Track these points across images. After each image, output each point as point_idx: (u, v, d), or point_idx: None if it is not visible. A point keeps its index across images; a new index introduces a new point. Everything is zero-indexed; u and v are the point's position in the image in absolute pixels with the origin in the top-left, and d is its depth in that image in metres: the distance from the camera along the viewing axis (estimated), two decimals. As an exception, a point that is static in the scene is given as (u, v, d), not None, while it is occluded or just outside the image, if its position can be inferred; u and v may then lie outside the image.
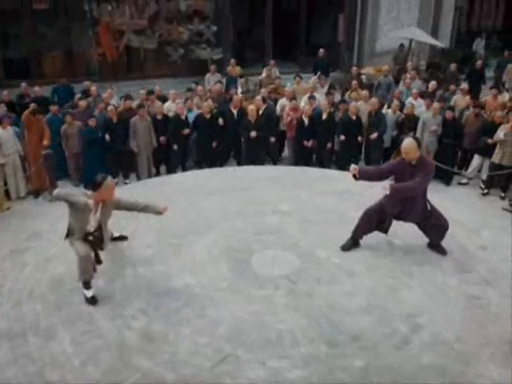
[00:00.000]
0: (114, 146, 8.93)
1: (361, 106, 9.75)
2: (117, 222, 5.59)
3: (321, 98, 10.31)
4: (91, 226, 4.65)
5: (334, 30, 17.08)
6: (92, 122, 8.79)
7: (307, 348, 4.08)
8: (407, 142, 4.91)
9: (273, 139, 9.62)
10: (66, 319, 4.42)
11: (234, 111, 9.65)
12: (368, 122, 9.37)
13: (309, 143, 9.44)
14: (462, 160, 9.58)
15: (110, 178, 4.55)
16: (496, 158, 8.43)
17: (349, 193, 6.80)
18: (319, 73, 12.38)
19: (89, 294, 4.62)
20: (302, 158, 9.44)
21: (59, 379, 3.83)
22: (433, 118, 9.02)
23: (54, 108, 9.27)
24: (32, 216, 7.71)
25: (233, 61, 13.03)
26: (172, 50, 15.51)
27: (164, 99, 10.25)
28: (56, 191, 4.50)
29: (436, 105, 9.19)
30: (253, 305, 4.58)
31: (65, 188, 4.74)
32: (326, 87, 11.46)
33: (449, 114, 8.92)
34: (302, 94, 10.54)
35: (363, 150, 9.69)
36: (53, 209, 7.49)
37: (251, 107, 9.19)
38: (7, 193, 8.47)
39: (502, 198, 8.65)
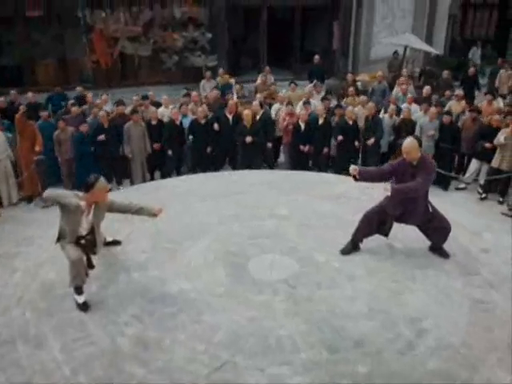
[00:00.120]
0: (106, 152, 8.78)
1: (359, 111, 9.68)
2: (110, 226, 5.44)
3: (316, 103, 10.24)
4: (83, 229, 4.50)
5: (328, 37, 17.08)
6: (83, 128, 8.65)
7: (308, 354, 3.93)
8: (408, 142, 4.80)
9: (269, 145, 9.53)
10: (56, 326, 4.25)
11: (230, 116, 9.54)
12: (365, 126, 9.28)
13: (305, 148, 9.34)
14: (459, 165, 9.50)
15: (102, 178, 4.40)
16: (495, 162, 8.35)
17: (346, 197, 6.70)
18: (315, 81, 12.33)
19: (80, 299, 4.44)
20: (299, 164, 9.32)
21: (49, 388, 3.67)
22: (430, 123, 8.95)
23: (44, 114, 9.12)
24: (24, 222, 7.56)
25: (221, 70, 12.89)
26: (166, 57, 15.40)
27: (158, 105, 10.14)
28: (46, 192, 4.34)
29: (433, 109, 9.13)
30: (251, 310, 4.43)
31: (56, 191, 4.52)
32: (322, 93, 11.39)
33: (446, 119, 8.85)
34: (298, 101, 10.46)
35: (360, 155, 9.59)
36: (45, 215, 7.38)
37: (246, 112, 9.08)
38: (-1, 199, 8.31)
39: (501, 203, 8.55)
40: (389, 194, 4.79)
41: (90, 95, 10.55)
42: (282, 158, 10.20)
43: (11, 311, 4.47)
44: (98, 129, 8.84)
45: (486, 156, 8.70)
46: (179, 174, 9.37)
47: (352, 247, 5.28)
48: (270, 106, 10.38)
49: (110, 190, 6.75)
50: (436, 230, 5.09)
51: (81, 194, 4.40)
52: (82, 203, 4.29)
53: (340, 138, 9.04)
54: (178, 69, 15.56)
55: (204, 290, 4.72)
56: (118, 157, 8.91)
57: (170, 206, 6.11)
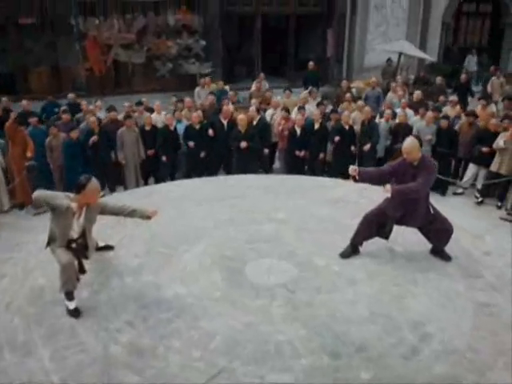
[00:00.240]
0: (97, 157, 8.64)
1: (355, 116, 9.61)
2: (102, 231, 5.29)
3: (312, 108, 10.16)
4: (74, 232, 4.34)
5: (322, 44, 17.09)
6: (74, 135, 8.53)
7: (308, 360, 3.78)
8: (409, 142, 4.70)
9: (266, 151, 9.42)
10: (45, 333, 4.07)
11: (224, 122, 9.44)
12: (361, 130, 9.19)
13: (301, 153, 9.24)
14: (456, 169, 9.42)
15: (94, 179, 4.25)
16: (494, 166, 8.27)
17: (344, 201, 6.59)
18: (310, 87, 12.28)
19: (71, 305, 4.27)
20: (294, 169, 9.21)
21: (37, 398, 3.49)
22: (427, 127, 8.87)
23: (33, 120, 8.97)
24: (15, 229, 7.41)
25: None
26: (160, 64, 15.32)
27: (152, 111, 10.03)
28: (36, 193, 4.17)
29: (430, 114, 9.07)
30: (248, 315, 4.28)
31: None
32: (318, 99, 11.32)
33: (444, 123, 8.78)
34: (293, 107, 10.39)
35: (356, 160, 9.49)
36: (37, 222, 7.21)
37: (241, 117, 8.98)
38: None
39: (499, 208, 8.46)
40: (389, 195, 4.67)
41: (84, 103, 10.44)
42: (277, 163, 10.09)
43: (-1, 318, 4.29)
44: (89, 134, 8.75)
45: (484, 160, 8.63)
46: (173, 180, 9.23)
47: (352, 250, 5.15)
48: (265, 111, 10.29)
49: (103, 195, 6.65)
50: (437, 232, 4.97)
51: (72, 195, 4.24)
52: (73, 205, 4.13)
53: (337, 138, 8.94)
54: (172, 76, 15.48)
55: (200, 294, 4.56)
56: (109, 162, 8.78)
57: (165, 211, 5.95)
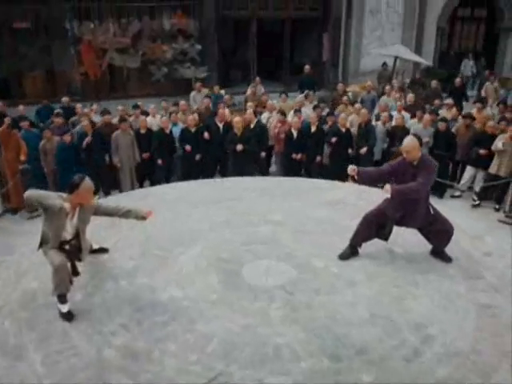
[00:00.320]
0: (91, 160, 8.55)
1: (353, 119, 9.56)
2: (96, 234, 5.19)
3: (308, 111, 10.12)
4: (67, 234, 4.23)
5: (318, 48, 17.07)
6: (66, 138, 8.44)
7: (308, 363, 3.68)
8: (409, 141, 4.62)
9: (263, 154, 9.35)
10: (37, 337, 3.96)
11: (220, 125, 9.37)
12: (358, 133, 9.14)
13: (298, 156, 9.18)
14: (453, 172, 9.37)
15: (87, 178, 4.15)
16: (493, 168, 8.24)
17: (342, 202, 6.51)
18: (306, 91, 12.24)
19: (64, 308, 4.15)
20: (291, 172, 9.13)
21: (28, 404, 3.37)
22: (424, 130, 8.83)
23: (24, 123, 8.89)
24: (8, 233, 7.35)
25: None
26: (155, 68, 15.25)
27: (147, 115, 9.95)
28: (28, 193, 4.06)
29: (427, 116, 9.04)
30: (246, 318, 4.18)
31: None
32: (315, 103, 11.27)
33: (442, 126, 8.74)
34: (289, 111, 10.33)
35: (353, 163, 9.40)
36: (31, 226, 7.10)
37: (237, 119, 8.91)
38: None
39: (497, 210, 8.42)
40: (388, 195, 4.59)
41: (79, 106, 10.36)
42: (273, 167, 10.02)
43: (-11, 322, 4.17)
44: (82, 137, 8.69)
45: (481, 162, 8.60)
46: (169, 183, 9.13)
47: (350, 252, 5.06)
48: (260, 114, 10.22)
49: (99, 198, 6.54)
50: (438, 233, 4.88)
51: (65, 195, 4.14)
52: (66, 205, 4.02)
53: (334, 139, 8.88)
54: (167, 81, 15.41)
55: (196, 297, 4.45)
56: (103, 165, 8.70)
57: (160, 213, 5.86)
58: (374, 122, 9.76)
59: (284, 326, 4.08)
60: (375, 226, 4.93)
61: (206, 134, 9.12)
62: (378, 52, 15.20)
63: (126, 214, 4.48)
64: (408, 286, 4.63)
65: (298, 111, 9.73)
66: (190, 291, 4.54)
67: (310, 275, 4.77)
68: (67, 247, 4.25)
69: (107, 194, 8.84)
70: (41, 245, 4.27)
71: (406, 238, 5.30)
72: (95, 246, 5.09)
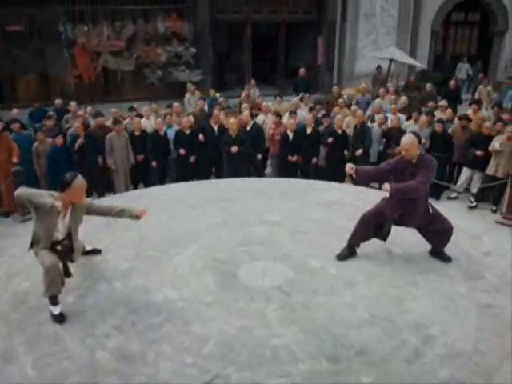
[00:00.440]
0: (84, 162, 8.46)
1: (349, 121, 9.51)
2: (90, 235, 5.10)
3: (304, 113, 10.07)
4: (59, 234, 4.12)
5: (313, 52, 17.05)
6: (58, 141, 8.34)
7: (307, 364, 3.59)
8: (407, 138, 4.55)
9: (259, 156, 9.28)
10: (28, 339, 3.84)
11: (215, 127, 9.29)
12: (354, 133, 9.09)
13: (293, 158, 9.11)
14: (450, 173, 9.32)
15: (80, 176, 4.05)
16: (490, 169, 8.20)
17: (339, 203, 6.43)
18: (302, 93, 12.20)
19: (56, 310, 4.04)
20: (287, 174, 9.05)
21: (18, 408, 3.26)
22: (421, 131, 8.75)
23: (15, 126, 8.81)
24: (1, 236, 7.15)
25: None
26: (150, 72, 15.18)
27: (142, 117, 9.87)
28: (18, 191, 3.95)
29: (423, 118, 9.00)
30: (243, 319, 4.08)
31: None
32: (310, 105, 11.23)
33: (439, 127, 8.70)
34: (284, 113, 10.28)
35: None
36: (23, 229, 6.94)
37: (231, 121, 8.84)
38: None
39: (494, 212, 8.38)
40: (387, 194, 4.52)
41: (73, 104, 10.28)
42: (268, 169, 9.94)
43: (-21, 325, 4.05)
44: (75, 139, 8.61)
45: (478, 164, 8.56)
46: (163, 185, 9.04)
47: (348, 252, 4.98)
48: (256, 116, 10.16)
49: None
50: (437, 232, 4.81)
51: (56, 193, 4.04)
52: (58, 203, 3.92)
53: (330, 139, 8.81)
54: (161, 84, 15.33)
55: (191, 298, 4.36)
56: (96, 167, 8.61)
57: (155, 214, 5.77)
58: (369, 124, 9.72)
59: (281, 327, 3.99)
60: (373, 225, 4.85)
61: (200, 136, 9.05)
62: (373, 55, 15.19)
63: (120, 213, 4.38)
64: (407, 286, 4.55)
65: (293, 113, 9.68)
66: (186, 292, 4.44)
67: (308, 276, 4.69)
68: (59, 247, 4.14)
69: (101, 196, 8.73)
70: (32, 245, 4.15)
71: (405, 238, 5.23)
72: (88, 248, 4.98)
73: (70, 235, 4.18)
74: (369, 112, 10.63)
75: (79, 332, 3.94)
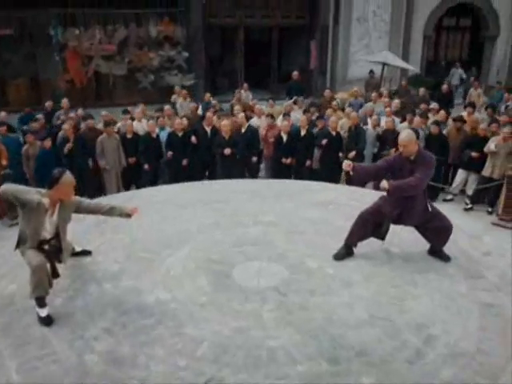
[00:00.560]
0: (73, 164, 8.30)
1: (343, 123, 9.42)
2: (79, 237, 4.96)
3: (298, 115, 9.98)
4: (47, 232, 3.96)
5: (306, 56, 17.03)
6: (47, 143, 8.19)
7: (305, 366, 3.45)
8: (405, 134, 4.45)
9: (254, 159, 9.16)
10: (13, 343, 3.67)
11: (208, 129, 9.17)
12: (348, 136, 9.00)
13: (287, 161, 9.00)
14: (445, 175, 9.25)
15: (68, 172, 3.90)
16: (486, 171, 8.13)
17: (335, 203, 6.32)
18: (295, 97, 12.13)
19: (43, 312, 3.87)
20: (280, 177, 8.93)
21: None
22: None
23: (1, 129, 8.65)
24: (-11, 240, 6.97)
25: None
26: (142, 76, 15.09)
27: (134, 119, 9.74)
28: (4, 187, 3.79)
29: (418, 119, 8.94)
30: (237, 320, 3.94)
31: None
32: (304, 108, 11.15)
33: (434, 129, 8.62)
34: (278, 115, 10.19)
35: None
36: (12, 232, 6.74)
37: (224, 122, 8.73)
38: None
39: (490, 213, 8.30)
40: (385, 191, 4.41)
41: (65, 101, 10.15)
42: (262, 171, 9.82)
43: (-38, 328, 3.87)
44: (64, 142, 8.46)
45: (473, 165, 8.50)
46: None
47: (346, 252, 4.85)
48: (250, 118, 10.06)
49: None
50: (436, 230, 4.69)
51: (44, 190, 3.88)
52: (45, 200, 3.77)
53: (324, 141, 8.71)
54: (154, 88, 15.23)
55: (184, 299, 4.21)
56: (87, 169, 8.45)
57: (147, 215, 5.62)
58: (364, 126, 9.65)
59: (278, 328, 3.85)
60: (371, 224, 4.74)
61: (193, 138, 8.91)
62: (366, 58, 15.18)
63: (110, 212, 4.23)
64: (406, 285, 4.43)
65: (287, 115, 9.59)
66: (178, 293, 4.29)
67: (304, 276, 4.56)
68: (46, 247, 3.98)
69: (92, 198, 8.54)
70: (18, 244, 3.99)
71: (403, 238, 5.13)
72: (77, 249, 4.82)
73: (58, 234, 4.02)
74: (361, 114, 10.54)
75: (67, 335, 3.78)
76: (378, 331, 3.81)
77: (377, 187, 5.18)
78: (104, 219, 5.47)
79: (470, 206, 8.56)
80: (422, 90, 12.71)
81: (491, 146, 7.95)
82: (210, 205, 6.25)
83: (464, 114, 9.84)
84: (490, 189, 8.26)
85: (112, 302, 4.17)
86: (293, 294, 4.28)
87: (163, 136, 9.00)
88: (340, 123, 9.39)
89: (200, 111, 10.64)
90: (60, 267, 4.24)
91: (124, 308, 4.08)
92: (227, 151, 8.54)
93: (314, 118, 9.81)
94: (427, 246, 4.94)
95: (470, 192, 8.61)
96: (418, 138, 4.49)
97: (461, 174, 8.76)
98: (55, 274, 4.06)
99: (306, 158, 9.04)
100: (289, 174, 9.19)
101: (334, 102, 11.01)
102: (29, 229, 3.86)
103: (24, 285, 4.11)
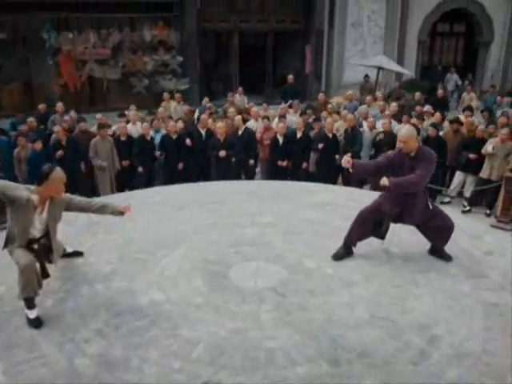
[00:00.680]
0: (65, 167, 8.15)
1: (339, 126, 9.34)
2: (71, 238, 4.81)
3: (294, 118, 9.90)
4: (36, 231, 3.82)
5: (301, 61, 16.99)
6: (37, 146, 8.05)
7: (305, 368, 3.32)
8: (405, 130, 4.36)
9: (251, 161, 9.05)
10: (1, 345, 3.52)
11: (202, 131, 9.06)
12: (344, 138, 8.91)
13: (283, 163, 8.89)
14: (443, 177, 9.17)
15: (58, 168, 3.77)
16: (485, 173, 8.05)
17: (333, 204, 6.21)
18: (290, 101, 12.05)
19: (32, 314, 3.72)
20: (277, 179, 8.81)
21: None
22: (412, 134, 8.62)
23: None
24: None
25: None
26: (136, 80, 14.98)
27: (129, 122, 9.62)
28: (-10, 182, 3.67)
29: (414, 121, 8.88)
30: (234, 321, 3.81)
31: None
32: (299, 111, 11.07)
33: (432, 131, 8.54)
34: (273, 118, 10.10)
35: (340, 170, 9.16)
36: (2, 235, 6.63)
37: (219, 125, 8.62)
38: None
39: (488, 215, 8.21)
40: (386, 187, 4.30)
41: (60, 105, 10.03)
42: (258, 174, 9.70)
43: None
44: (56, 145, 8.32)
45: (471, 167, 8.42)
46: (150, 190, 8.76)
47: (345, 252, 4.74)
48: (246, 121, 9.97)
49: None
50: (437, 229, 4.59)
51: (33, 187, 3.75)
52: (35, 197, 3.63)
53: (321, 145, 8.62)
54: (148, 93, 15.12)
55: (179, 300, 4.07)
56: (79, 172, 8.30)
57: (142, 216, 5.48)
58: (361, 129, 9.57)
59: (276, 329, 3.72)
60: (371, 223, 4.63)
61: (187, 141, 8.80)
62: (361, 63, 15.15)
63: (102, 209, 4.09)
64: (407, 285, 4.32)
65: (282, 117, 9.50)
66: (173, 294, 4.16)
67: (303, 276, 4.44)
68: (36, 246, 3.84)
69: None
70: (6, 244, 3.84)
71: (403, 237, 5.02)
72: (69, 250, 4.67)
73: (47, 233, 3.88)
74: (355, 115, 10.46)
75: (57, 337, 3.63)
76: (380, 332, 3.69)
77: (374, 188, 5.08)
78: (97, 220, 5.36)
79: (467, 208, 8.47)
80: (417, 95, 12.67)
81: (489, 147, 7.88)
82: (206, 206, 6.13)
83: (461, 116, 9.79)
84: (488, 191, 8.17)
85: (104, 303, 4.03)
86: (291, 294, 4.16)
87: (158, 139, 8.88)
88: (336, 125, 9.32)
89: (196, 115, 10.52)
90: (50, 268, 4.09)
91: (117, 309, 3.94)
92: (222, 153, 8.43)
93: (310, 120, 9.72)
94: (427, 245, 4.83)
95: (467, 194, 8.53)
96: (418, 134, 4.37)
97: (458, 176, 8.68)
98: (45, 274, 3.91)
99: (303, 160, 8.93)
100: (285, 176, 9.06)
101: (330, 106, 10.92)
102: (17, 227, 3.72)
103: (12, 286, 3.96)
